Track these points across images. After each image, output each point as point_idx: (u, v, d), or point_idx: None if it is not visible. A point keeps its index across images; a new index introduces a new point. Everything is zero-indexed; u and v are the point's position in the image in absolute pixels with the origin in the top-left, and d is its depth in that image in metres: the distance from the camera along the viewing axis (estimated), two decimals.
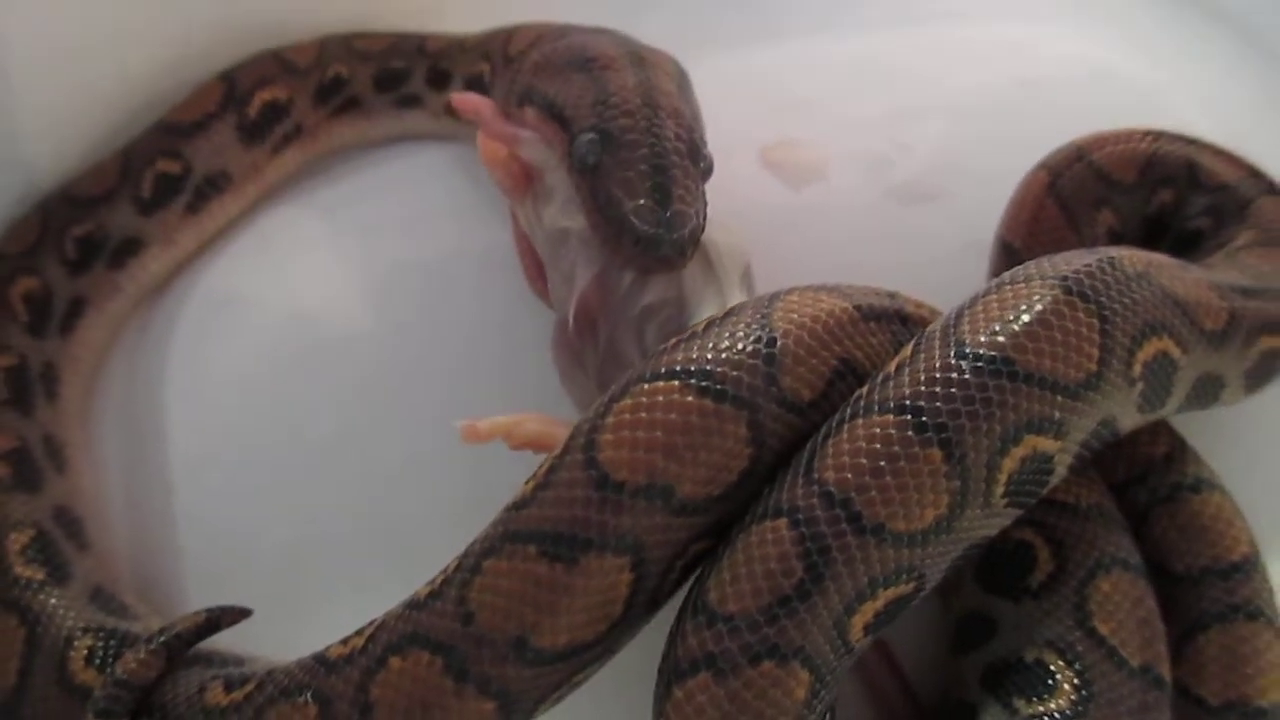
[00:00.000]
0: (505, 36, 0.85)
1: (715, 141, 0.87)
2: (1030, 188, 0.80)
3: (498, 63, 0.84)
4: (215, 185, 0.87)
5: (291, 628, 0.66)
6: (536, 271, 0.75)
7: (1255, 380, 0.71)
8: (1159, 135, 0.81)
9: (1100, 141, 0.80)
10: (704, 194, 0.69)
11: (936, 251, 0.83)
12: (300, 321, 0.85)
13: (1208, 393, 0.68)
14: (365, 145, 0.93)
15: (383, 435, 0.80)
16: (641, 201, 0.65)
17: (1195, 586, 0.68)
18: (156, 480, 0.80)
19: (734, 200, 0.85)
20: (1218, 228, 0.78)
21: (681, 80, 0.76)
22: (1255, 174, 0.79)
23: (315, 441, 0.80)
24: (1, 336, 0.78)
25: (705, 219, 0.68)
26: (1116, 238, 0.79)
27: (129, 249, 0.84)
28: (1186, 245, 0.79)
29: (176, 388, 0.84)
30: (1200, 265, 0.71)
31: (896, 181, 0.89)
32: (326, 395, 0.82)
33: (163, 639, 0.62)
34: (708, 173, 0.70)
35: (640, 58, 0.74)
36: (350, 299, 0.85)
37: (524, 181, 0.73)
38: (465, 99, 0.76)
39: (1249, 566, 0.67)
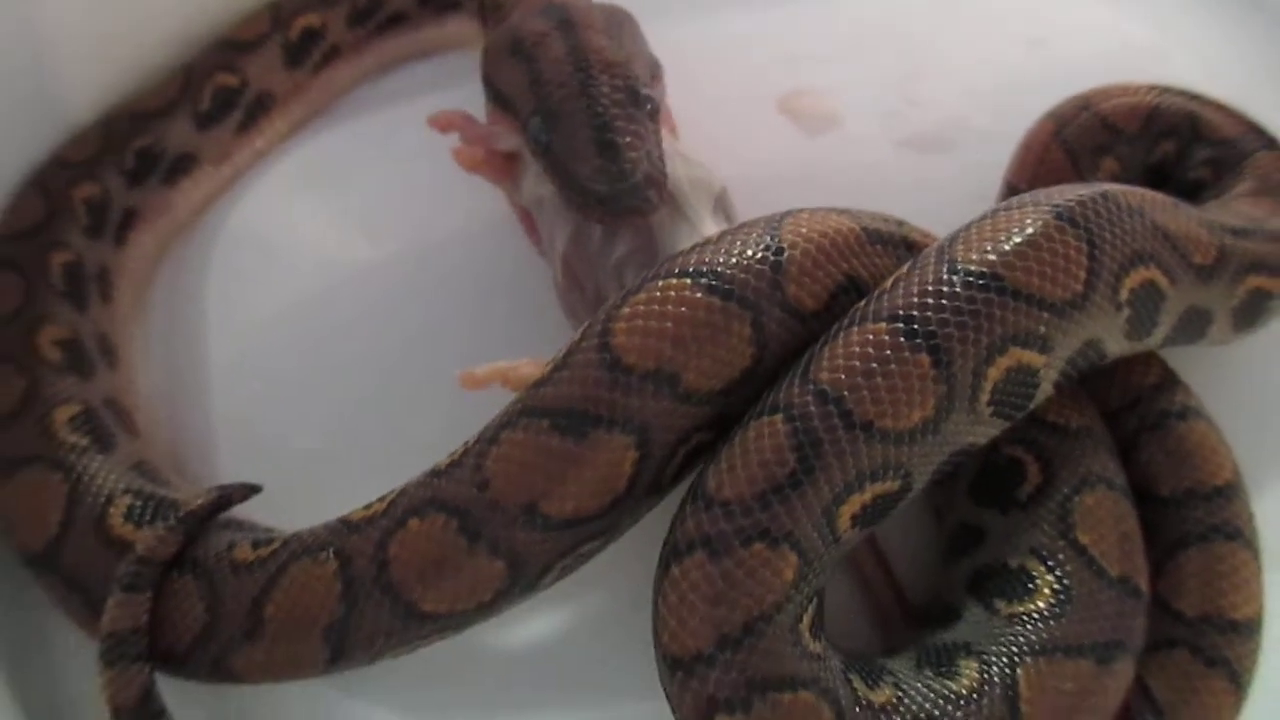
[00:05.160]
0: None
1: (733, 90, 0.93)
2: (1037, 135, 0.83)
3: (488, 8, 0.89)
4: (263, 105, 0.92)
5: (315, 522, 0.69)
6: (539, 239, 0.80)
7: (1243, 319, 0.74)
8: (1164, 90, 0.84)
9: (1106, 94, 0.84)
10: (655, 131, 0.72)
11: (944, 199, 0.84)
12: (334, 246, 0.89)
13: (1195, 326, 0.71)
14: (414, 59, 0.98)
15: (407, 352, 0.84)
16: (594, 163, 0.69)
17: (1179, 509, 0.71)
18: (195, 386, 0.85)
19: (751, 146, 0.90)
20: (1217, 178, 0.81)
21: (616, 27, 0.79)
22: (1256, 130, 0.82)
23: (344, 356, 0.85)
24: (61, 235, 0.83)
25: (662, 155, 0.71)
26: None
27: (183, 166, 0.89)
28: (1187, 194, 0.81)
29: (216, 308, 0.89)
30: (1196, 206, 0.74)
31: (908, 132, 0.93)
32: (356, 314, 0.87)
33: (178, 516, 0.67)
34: (654, 112, 0.74)
35: (569, 22, 0.77)
36: (386, 224, 0.90)
37: (505, 169, 0.79)
38: (438, 118, 0.81)
39: (1230, 491, 0.70)
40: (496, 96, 0.79)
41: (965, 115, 0.93)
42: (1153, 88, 0.84)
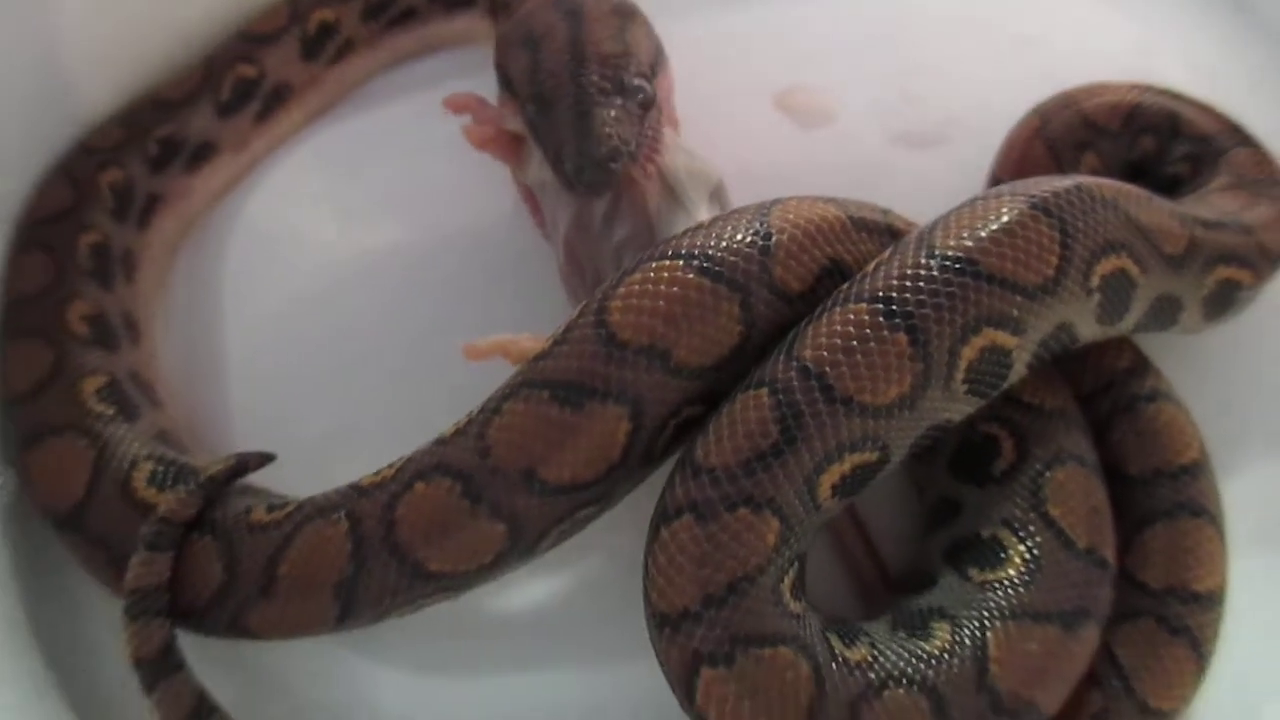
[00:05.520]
0: None
1: (730, 86, 0.96)
2: (1022, 130, 0.87)
3: (498, 5, 0.93)
4: (280, 96, 0.96)
5: None
6: (541, 220, 0.84)
7: (1214, 307, 0.77)
8: (1146, 88, 0.87)
9: (1090, 92, 0.87)
10: (642, 120, 0.76)
11: (936, 193, 0.85)
12: (347, 232, 0.93)
13: (1167, 313, 0.75)
14: (426, 53, 1.02)
15: (416, 329, 0.88)
16: (568, 145, 0.74)
17: (1147, 487, 0.74)
18: (212, 362, 0.89)
19: (748, 140, 0.93)
20: (1194, 174, 0.85)
21: (621, 20, 0.83)
22: (1233, 127, 0.85)
23: (355, 336, 0.89)
24: (89, 217, 0.87)
25: (641, 140, 0.75)
26: None
27: (203, 154, 0.93)
28: (1165, 189, 0.84)
29: (233, 291, 0.92)
30: (1173, 200, 0.77)
31: (902, 128, 0.96)
32: (367, 297, 0.90)
33: (198, 481, 0.71)
34: (645, 103, 0.77)
35: (576, 14, 0.82)
36: (397, 211, 0.93)
37: (512, 149, 0.83)
38: (453, 99, 0.85)
39: (1196, 470, 0.74)
40: (505, 82, 0.83)
41: (958, 111, 0.96)
42: (1134, 86, 0.87)
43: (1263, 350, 0.85)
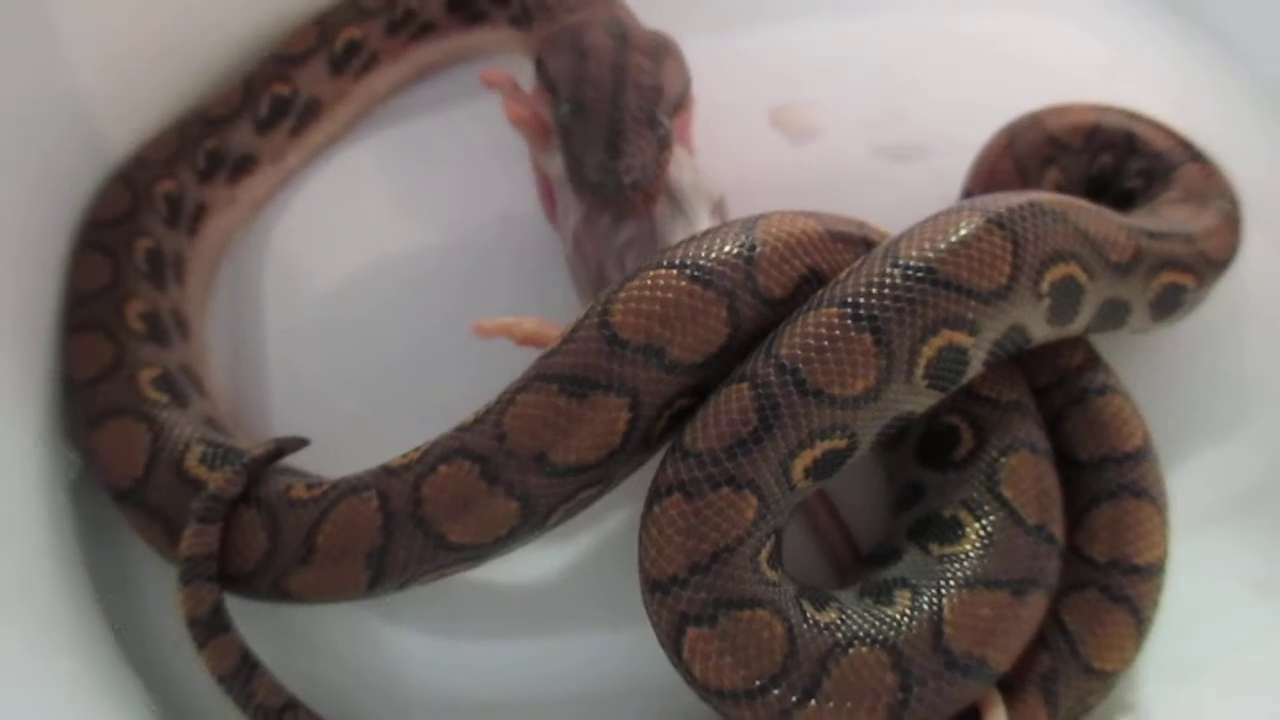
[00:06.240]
0: None
1: (728, 103, 1.02)
2: (992, 148, 0.94)
3: (535, 6, 1.01)
4: (312, 110, 1.04)
5: None
6: (551, 207, 0.92)
7: (1160, 310, 0.85)
8: (1106, 109, 0.95)
9: (1055, 112, 0.95)
10: (657, 151, 0.84)
11: (916, 205, 0.89)
12: (375, 237, 1.01)
13: (1116, 315, 0.82)
14: (447, 64, 1.09)
15: (438, 329, 0.95)
16: (599, 157, 0.81)
17: (1094, 471, 0.81)
18: (253, 357, 0.97)
19: (744, 153, 1.01)
20: (1148, 187, 0.92)
21: (659, 56, 0.90)
22: (1184, 144, 0.93)
23: (383, 331, 0.97)
24: (145, 225, 0.95)
25: (656, 172, 0.83)
26: (1061, 192, 0.92)
27: (245, 165, 1.01)
28: (1122, 202, 0.92)
29: (272, 293, 1.00)
30: (1120, 213, 0.85)
31: (886, 143, 1.03)
32: (394, 296, 0.98)
33: (243, 461, 0.79)
34: (665, 140, 0.84)
35: (625, 40, 0.89)
36: (422, 217, 1.01)
37: (544, 133, 0.90)
38: (490, 74, 0.94)
39: (1140, 455, 0.81)
40: (544, 77, 0.91)
41: (939, 128, 1.03)
42: (1095, 107, 0.95)
43: (1207, 349, 0.93)
